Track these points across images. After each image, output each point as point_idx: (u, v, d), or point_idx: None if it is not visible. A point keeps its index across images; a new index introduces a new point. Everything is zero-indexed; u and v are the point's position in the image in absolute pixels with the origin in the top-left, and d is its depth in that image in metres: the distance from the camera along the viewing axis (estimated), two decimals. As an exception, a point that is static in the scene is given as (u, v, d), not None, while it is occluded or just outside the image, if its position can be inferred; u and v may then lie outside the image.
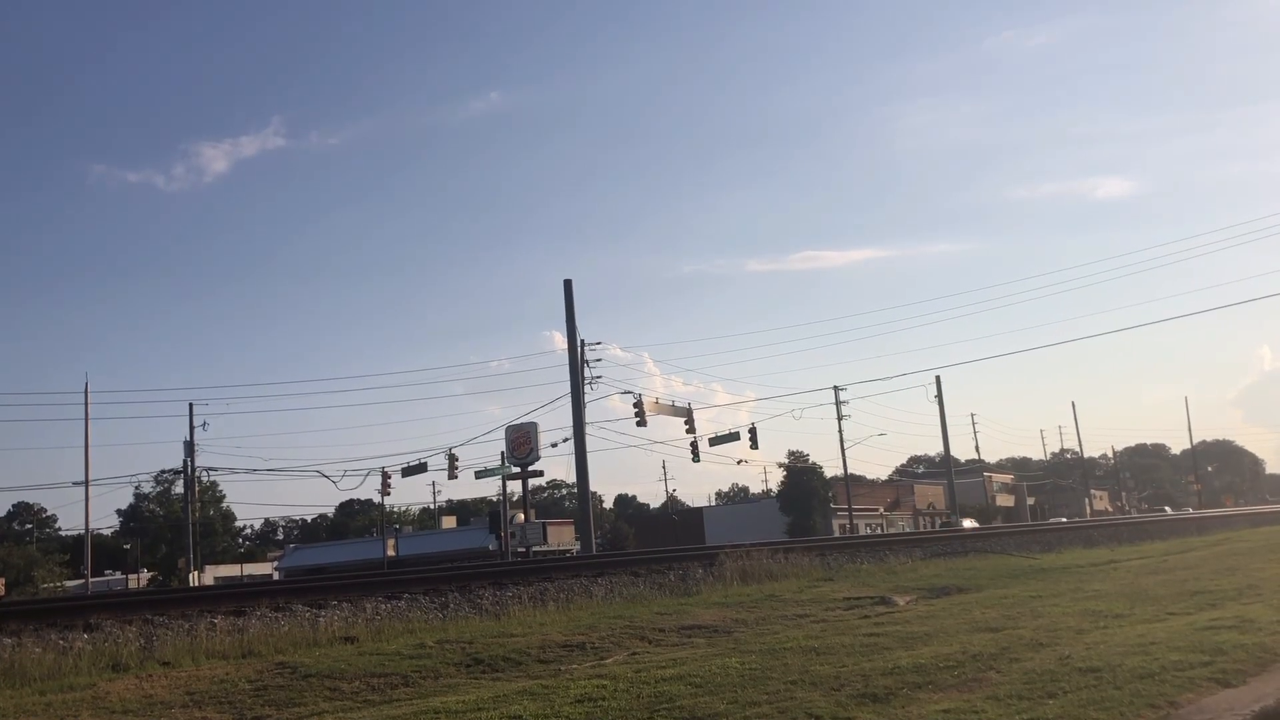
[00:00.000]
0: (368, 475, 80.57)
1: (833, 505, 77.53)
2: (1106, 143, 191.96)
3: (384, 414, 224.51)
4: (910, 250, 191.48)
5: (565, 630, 11.41)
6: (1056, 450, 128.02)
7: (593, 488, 50.28)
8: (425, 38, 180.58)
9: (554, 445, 48.94)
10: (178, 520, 66.35)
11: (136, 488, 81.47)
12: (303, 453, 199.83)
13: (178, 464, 55.75)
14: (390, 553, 65.57)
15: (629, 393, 47.66)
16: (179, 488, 62.82)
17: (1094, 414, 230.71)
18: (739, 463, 63.06)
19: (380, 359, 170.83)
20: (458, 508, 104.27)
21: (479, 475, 52.13)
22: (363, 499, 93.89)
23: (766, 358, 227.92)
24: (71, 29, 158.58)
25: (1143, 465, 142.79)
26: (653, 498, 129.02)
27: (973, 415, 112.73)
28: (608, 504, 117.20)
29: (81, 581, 55.21)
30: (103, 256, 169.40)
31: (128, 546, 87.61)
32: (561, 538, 67.37)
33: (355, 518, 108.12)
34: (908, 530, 74.82)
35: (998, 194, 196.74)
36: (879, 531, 70.74)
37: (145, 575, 79.48)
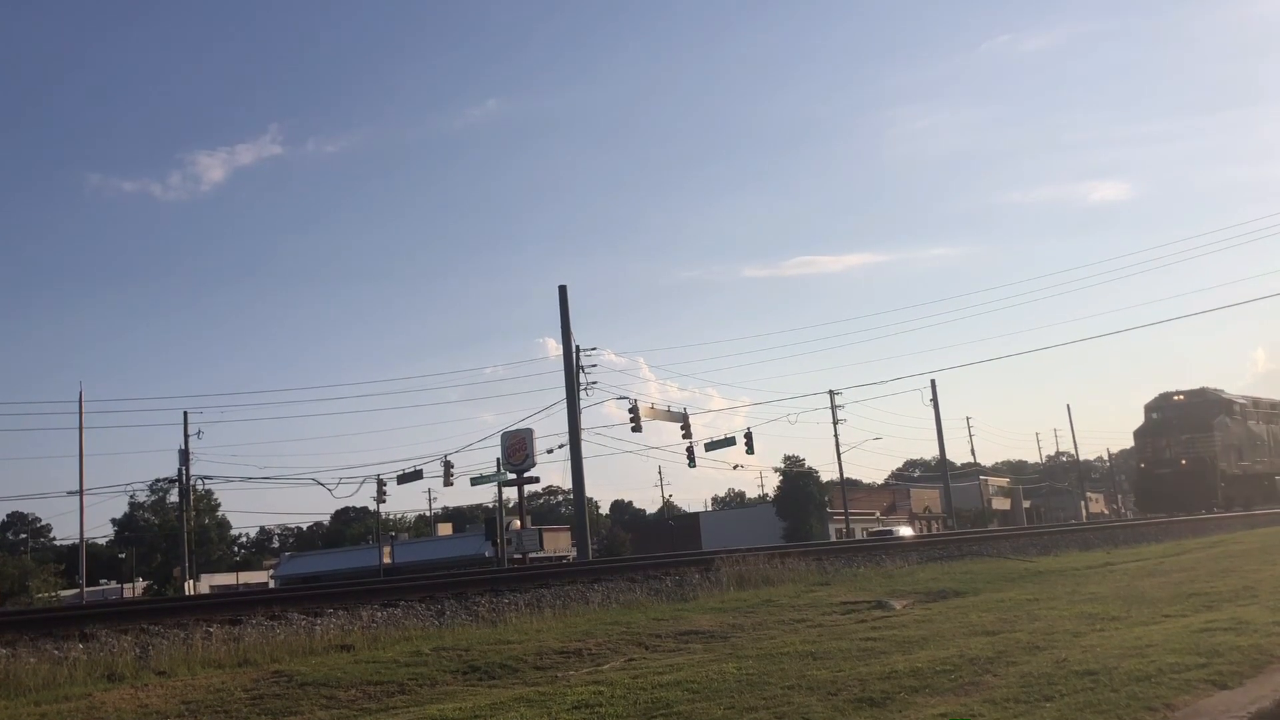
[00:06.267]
0: (363, 483, 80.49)
1: (829, 510, 77.56)
2: (1102, 147, 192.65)
3: (379, 421, 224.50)
4: (906, 255, 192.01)
5: (562, 637, 11.38)
6: (1052, 453, 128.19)
7: (588, 494, 50.31)
8: (423, 45, 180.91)
9: (550, 451, 48.99)
10: (173, 529, 66.17)
11: (131, 497, 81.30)
12: (298, 460, 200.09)
13: (173, 472, 55.64)
14: (386, 560, 65.46)
15: (624, 398, 47.63)
16: (174, 496, 62.62)
17: (1089, 417, 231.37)
18: (735, 468, 63.24)
19: (375, 366, 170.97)
20: (453, 515, 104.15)
21: (474, 482, 52.10)
22: (358, 506, 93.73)
23: (762, 363, 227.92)
24: (67, 37, 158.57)
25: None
26: (649, 503, 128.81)
27: (968, 419, 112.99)
28: (604, 510, 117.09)
29: (76, 591, 55.02)
30: (98, 266, 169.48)
31: (123, 556, 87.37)
32: (558, 544, 67.32)
33: (351, 525, 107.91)
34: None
35: (993, 198, 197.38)
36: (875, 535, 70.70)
37: (140, 584, 79.20)
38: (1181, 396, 48.29)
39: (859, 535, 56.21)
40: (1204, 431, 46.73)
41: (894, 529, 59.15)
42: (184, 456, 53.51)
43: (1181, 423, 47.38)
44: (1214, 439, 46.39)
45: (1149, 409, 49.67)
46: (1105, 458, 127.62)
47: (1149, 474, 49.09)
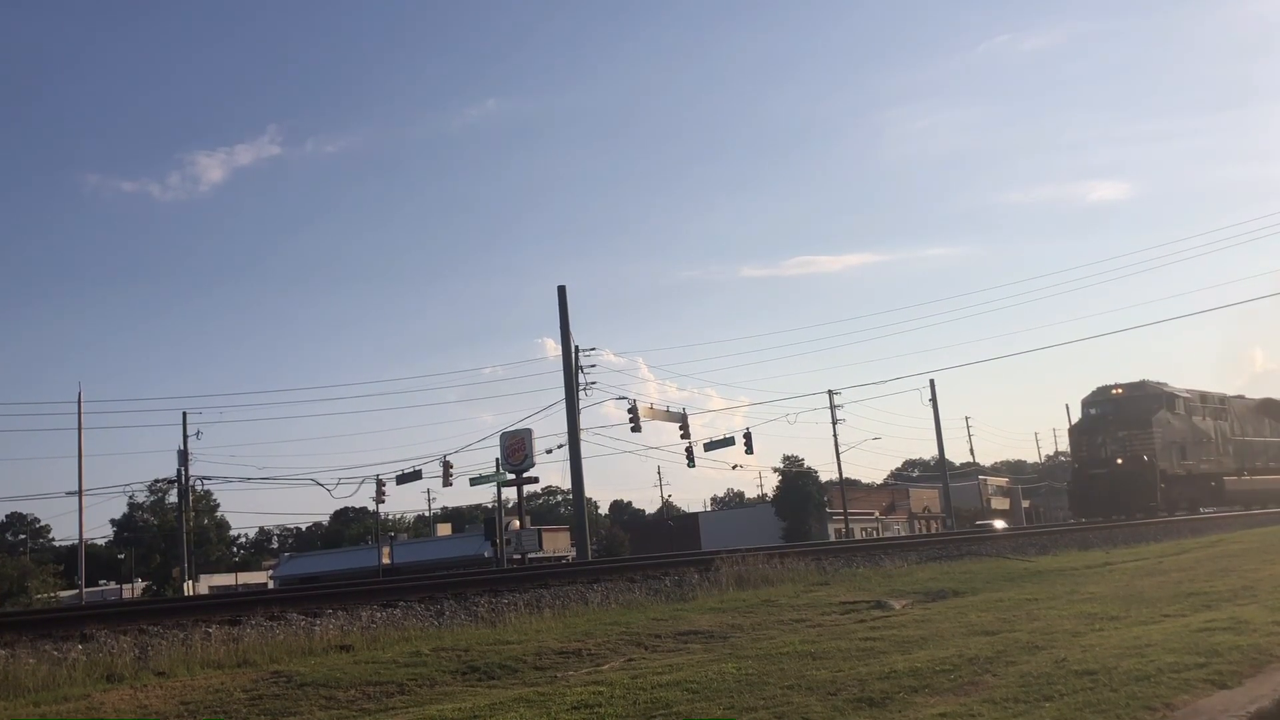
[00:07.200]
0: (362, 483, 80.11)
1: (828, 510, 77.60)
2: (1101, 146, 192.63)
3: (378, 421, 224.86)
4: (904, 255, 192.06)
5: (561, 637, 11.39)
6: (1051, 453, 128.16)
7: (588, 494, 50.29)
8: (422, 45, 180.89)
9: (549, 451, 48.99)
10: (172, 530, 66.14)
11: (130, 497, 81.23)
12: (296, 460, 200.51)
13: (172, 473, 55.59)
14: (385, 561, 65.44)
15: (624, 398, 47.63)
16: (173, 497, 62.58)
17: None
18: (734, 468, 63.29)
19: (375, 366, 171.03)
20: (453, 515, 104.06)
21: (474, 482, 52.10)
22: (357, 507, 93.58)
23: (761, 363, 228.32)
24: (66, 37, 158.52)
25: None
26: (648, 503, 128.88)
27: (967, 419, 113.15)
28: (603, 510, 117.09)
29: (75, 592, 55.00)
30: (98, 266, 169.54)
31: (122, 556, 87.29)
32: (557, 544, 67.37)
33: (350, 526, 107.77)
34: (903, 534, 74.88)
35: (992, 198, 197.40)
36: (875, 535, 70.79)
37: (139, 585, 79.14)
38: (1120, 390, 43.95)
39: (980, 528, 55.59)
40: (1142, 428, 42.20)
41: (992, 523, 62.15)
42: (183, 457, 53.47)
43: (1119, 419, 42.89)
44: (1153, 436, 41.97)
45: (1086, 404, 45.34)
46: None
47: (1083, 475, 44.28)
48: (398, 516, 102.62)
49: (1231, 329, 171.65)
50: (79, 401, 50.59)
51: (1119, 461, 42.02)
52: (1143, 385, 44.05)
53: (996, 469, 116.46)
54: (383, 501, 58.45)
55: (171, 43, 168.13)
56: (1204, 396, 47.19)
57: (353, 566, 70.63)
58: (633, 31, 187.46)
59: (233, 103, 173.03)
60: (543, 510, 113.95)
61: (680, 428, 49.50)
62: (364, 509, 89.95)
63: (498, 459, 47.26)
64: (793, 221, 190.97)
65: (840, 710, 6.45)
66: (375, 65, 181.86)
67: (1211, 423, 46.47)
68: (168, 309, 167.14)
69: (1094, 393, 45.16)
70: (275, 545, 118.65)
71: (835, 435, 68.47)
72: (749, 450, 53.99)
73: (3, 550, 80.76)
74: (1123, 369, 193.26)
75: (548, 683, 8.58)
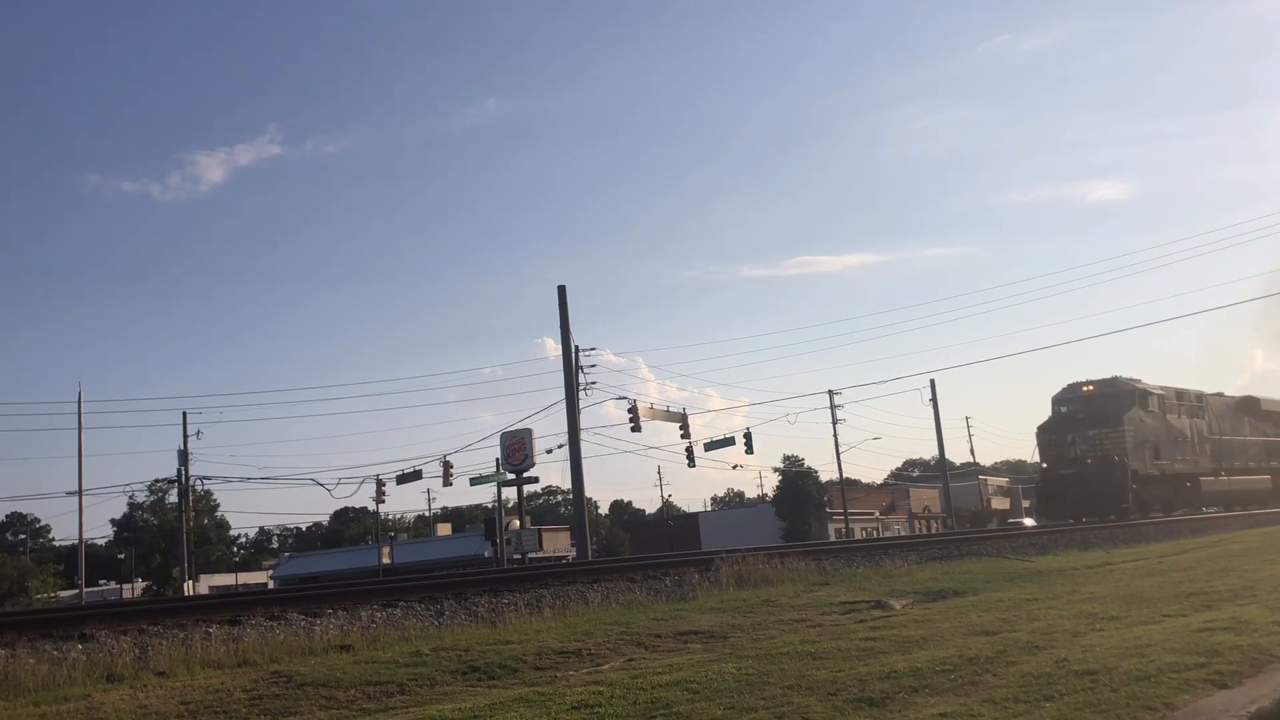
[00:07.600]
0: (362, 483, 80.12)
1: (828, 509, 77.62)
2: (1101, 146, 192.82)
3: (378, 421, 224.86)
4: (904, 255, 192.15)
5: (561, 637, 11.38)
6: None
7: (588, 494, 50.32)
8: (422, 45, 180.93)
9: (549, 451, 49.03)
10: (172, 530, 66.10)
11: (130, 497, 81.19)
12: (297, 460, 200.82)
13: (172, 472, 55.61)
14: (385, 561, 65.47)
15: (624, 398, 47.65)
16: (173, 497, 62.54)
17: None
18: (734, 468, 63.26)
19: (375, 366, 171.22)
20: (453, 515, 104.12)
21: (474, 482, 52.12)
22: (357, 507, 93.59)
23: (761, 362, 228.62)
24: (66, 37, 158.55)
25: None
26: (648, 503, 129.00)
27: (967, 419, 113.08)
28: (603, 510, 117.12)
29: (75, 592, 54.99)
30: (98, 266, 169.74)
31: (122, 556, 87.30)
32: (557, 544, 67.45)
33: (350, 526, 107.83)
34: (903, 534, 74.88)
35: (992, 198, 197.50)
36: (875, 535, 70.77)
37: (139, 585, 79.12)
38: (1091, 387, 41.93)
39: (1010, 526, 54.07)
40: (1114, 426, 40.07)
41: (1022, 520, 62.17)
42: (183, 457, 53.47)
43: (1089, 417, 40.79)
44: (1125, 434, 39.91)
45: (1056, 402, 43.16)
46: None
47: (1051, 475, 42.24)
48: (398, 516, 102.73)
49: (1233, 329, 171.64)
50: (79, 401, 50.64)
51: (1089, 461, 40.32)
52: (1114, 382, 42.27)
53: (996, 469, 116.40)
54: (383, 501, 58.47)
55: (171, 43, 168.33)
56: (1180, 394, 45.46)
57: (353, 566, 70.67)
58: (633, 31, 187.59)
59: (233, 103, 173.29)
60: (543, 510, 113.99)
61: (680, 428, 49.54)
62: (364, 509, 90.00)
63: (498, 459, 47.28)
64: (793, 221, 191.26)
65: (840, 710, 6.45)
66: (375, 65, 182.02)
67: (1187, 421, 44.80)
68: (168, 309, 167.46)
69: (1064, 390, 43.53)
70: (275, 545, 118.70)
71: (835, 435, 68.57)
72: (749, 450, 54.11)
73: (3, 550, 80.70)
74: (1123, 369, 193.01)
75: (548, 683, 8.58)
